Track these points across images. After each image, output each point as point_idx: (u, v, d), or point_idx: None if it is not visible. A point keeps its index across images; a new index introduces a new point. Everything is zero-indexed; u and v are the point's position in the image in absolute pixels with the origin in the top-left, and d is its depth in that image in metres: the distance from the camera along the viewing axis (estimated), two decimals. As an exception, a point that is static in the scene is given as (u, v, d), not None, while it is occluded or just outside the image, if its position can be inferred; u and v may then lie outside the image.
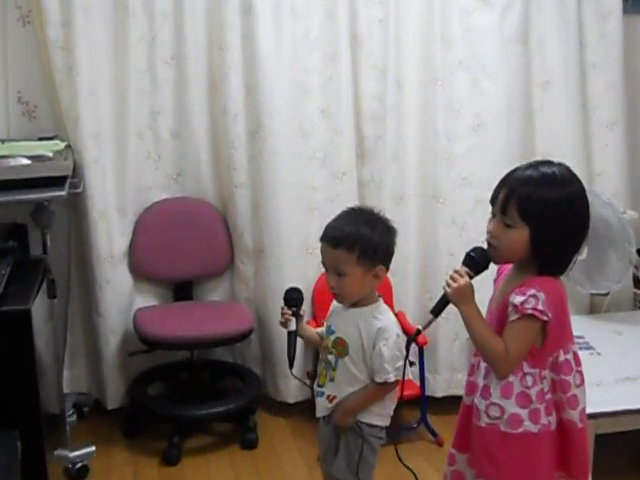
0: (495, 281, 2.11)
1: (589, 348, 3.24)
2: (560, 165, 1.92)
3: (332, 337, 2.25)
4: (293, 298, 2.28)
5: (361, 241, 2.14)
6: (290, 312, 2.27)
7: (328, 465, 2.34)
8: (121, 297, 3.45)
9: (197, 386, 3.51)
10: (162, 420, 3.36)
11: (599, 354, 3.21)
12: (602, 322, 3.62)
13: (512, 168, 1.97)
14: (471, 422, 2.02)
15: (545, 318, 1.86)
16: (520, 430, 1.93)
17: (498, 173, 2.00)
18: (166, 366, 3.60)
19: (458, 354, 3.64)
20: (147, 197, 3.51)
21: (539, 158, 2.11)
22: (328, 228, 2.21)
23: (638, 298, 3.84)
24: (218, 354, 3.66)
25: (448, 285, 1.94)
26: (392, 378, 2.18)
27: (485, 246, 1.98)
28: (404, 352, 2.14)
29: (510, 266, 2.02)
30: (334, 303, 2.29)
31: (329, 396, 2.27)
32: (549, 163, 1.93)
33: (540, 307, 1.85)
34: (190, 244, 3.52)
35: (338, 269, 2.16)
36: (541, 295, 1.86)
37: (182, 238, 3.52)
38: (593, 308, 3.86)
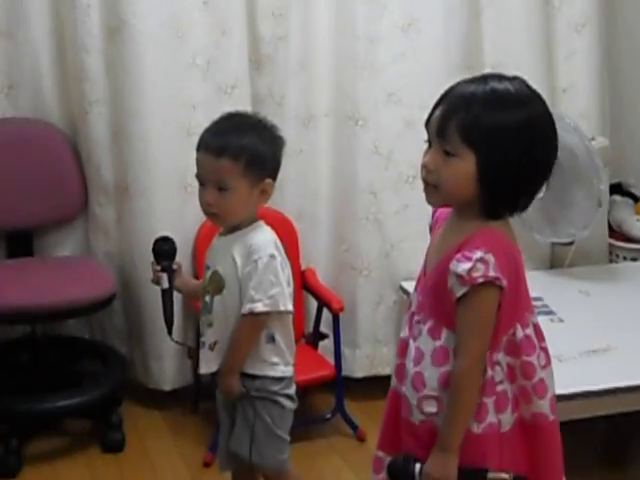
0: (431, 230, 2.11)
1: (549, 313, 3.26)
2: (515, 79, 1.95)
3: (208, 273, 2.44)
4: (163, 251, 2.47)
5: (248, 149, 2.33)
6: (159, 268, 2.46)
7: (227, 439, 2.49)
8: None
9: (42, 371, 3.52)
10: (-5, 417, 3.37)
11: (561, 320, 3.22)
12: (565, 279, 3.66)
13: (454, 82, 1.97)
14: (401, 415, 2.04)
15: (502, 284, 1.87)
16: None
17: (434, 88, 2.03)
18: (-2, 345, 3.62)
19: (383, 322, 3.70)
20: (-35, 118, 3.51)
21: (487, 70, 2.25)
22: (207, 134, 2.42)
23: (613, 250, 3.89)
24: (69, 328, 3.68)
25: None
26: (260, 307, 2.32)
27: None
28: (282, 278, 2.33)
29: (448, 211, 2.02)
30: (214, 240, 2.48)
31: (210, 344, 2.42)
32: (500, 77, 1.95)
33: (492, 273, 1.85)
34: (28, 181, 3.52)
35: (220, 182, 2.33)
36: (490, 258, 1.86)
37: (16, 174, 3.52)
38: (554, 262, 3.89)
